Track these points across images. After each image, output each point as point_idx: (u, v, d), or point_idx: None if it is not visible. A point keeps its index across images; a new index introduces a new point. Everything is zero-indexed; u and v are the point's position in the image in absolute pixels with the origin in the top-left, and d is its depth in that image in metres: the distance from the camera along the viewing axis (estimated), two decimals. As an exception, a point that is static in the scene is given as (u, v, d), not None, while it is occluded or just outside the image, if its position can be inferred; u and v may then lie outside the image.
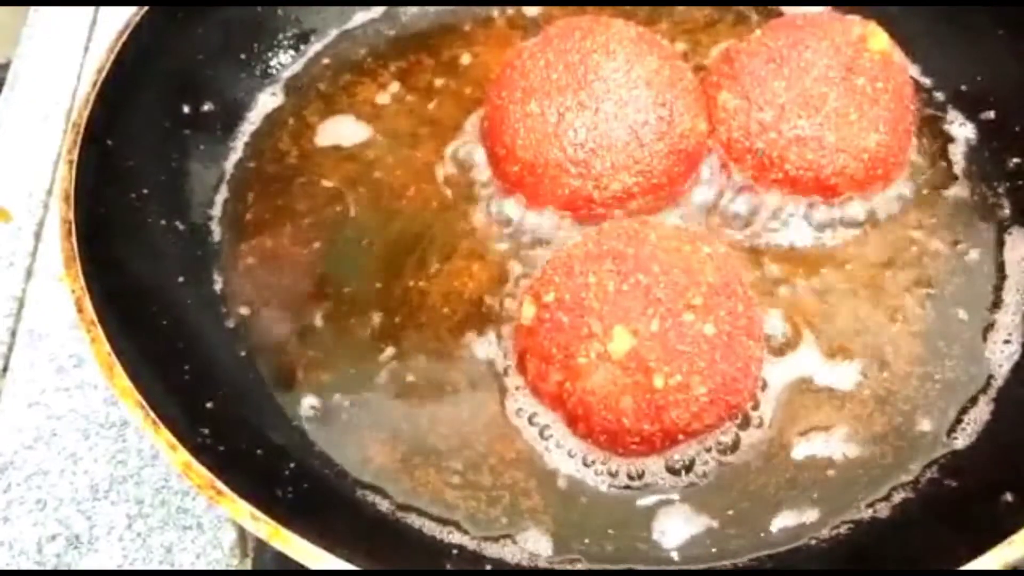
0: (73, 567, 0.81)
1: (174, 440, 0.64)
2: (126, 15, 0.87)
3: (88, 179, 0.77)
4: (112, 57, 0.84)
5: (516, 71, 0.88)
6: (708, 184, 0.90)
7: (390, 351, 0.82)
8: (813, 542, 0.72)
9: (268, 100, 1.00)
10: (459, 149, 0.95)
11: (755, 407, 0.77)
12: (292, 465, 0.74)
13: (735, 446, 0.76)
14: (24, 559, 0.81)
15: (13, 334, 0.94)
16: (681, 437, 0.73)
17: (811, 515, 0.73)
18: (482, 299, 0.84)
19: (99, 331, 0.68)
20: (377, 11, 1.06)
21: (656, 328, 0.69)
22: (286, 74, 1.02)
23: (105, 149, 0.81)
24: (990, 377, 0.79)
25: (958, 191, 0.90)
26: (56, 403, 0.89)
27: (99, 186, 0.79)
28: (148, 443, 0.86)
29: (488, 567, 0.71)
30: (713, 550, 0.72)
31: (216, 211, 0.91)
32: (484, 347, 0.82)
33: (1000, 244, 0.87)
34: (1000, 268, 0.85)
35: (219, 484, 0.62)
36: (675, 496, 0.74)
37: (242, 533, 0.82)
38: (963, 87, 0.96)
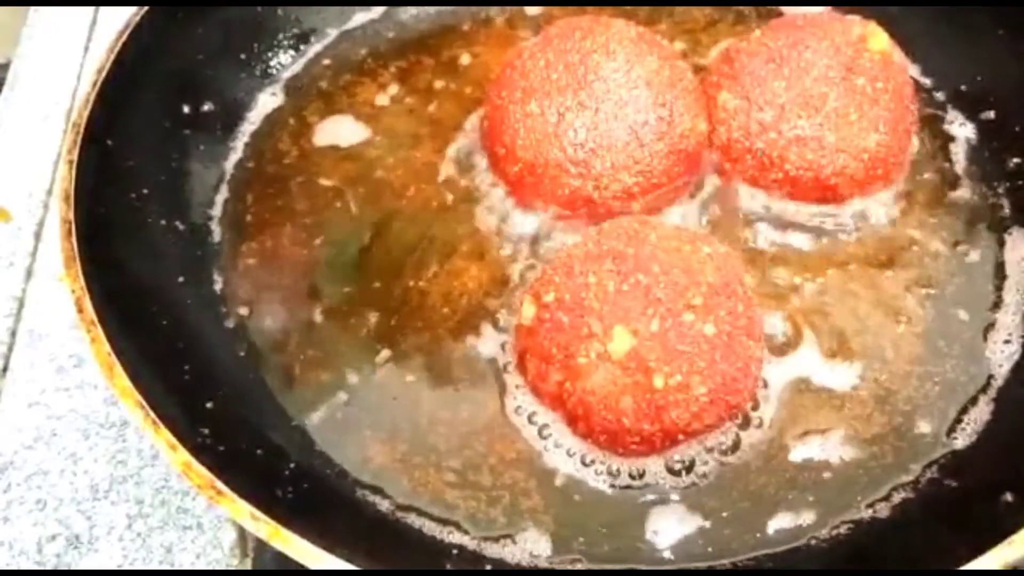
0: (73, 567, 0.81)
1: (174, 440, 0.64)
2: (126, 15, 0.87)
3: (88, 179, 0.77)
4: (112, 57, 0.84)
5: (516, 71, 0.88)
6: (708, 184, 0.90)
7: (390, 351, 0.82)
8: (813, 542, 0.72)
9: (268, 100, 1.00)
10: (459, 149, 0.95)
11: (755, 407, 0.77)
12: (292, 465, 0.74)
13: (735, 446, 0.76)
14: (24, 559, 0.81)
15: (13, 334, 0.94)
16: (681, 437, 0.73)
17: (811, 515, 0.73)
18: (482, 299, 0.84)
19: (99, 331, 0.68)
20: (377, 11, 1.06)
21: (656, 328, 0.69)
22: (286, 74, 1.02)
23: (105, 149, 0.81)
24: (990, 377, 0.79)
25: (958, 191, 0.90)
26: (56, 403, 0.89)
27: (99, 186, 0.79)
28: (148, 443, 0.86)
29: (488, 567, 0.71)
30: (713, 550, 0.72)
31: (216, 211, 0.91)
32: (484, 347, 0.82)
33: (1000, 244, 0.87)
34: (1000, 268, 0.85)
35: (219, 484, 0.62)
36: (675, 496, 0.74)
37: (242, 533, 0.82)
38: (963, 87, 0.96)
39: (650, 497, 0.74)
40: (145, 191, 0.84)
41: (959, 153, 0.93)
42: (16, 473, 0.85)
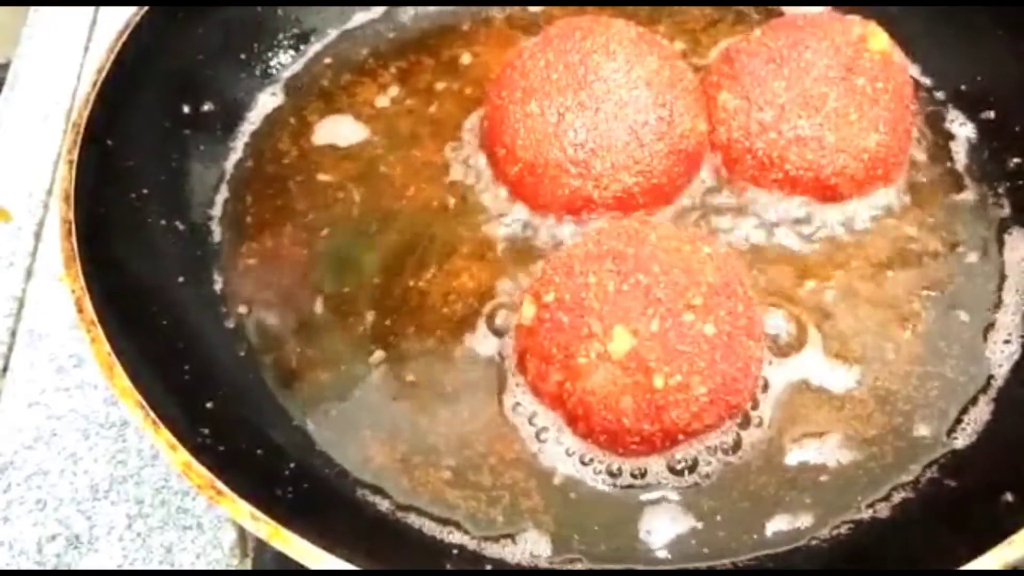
0: (73, 567, 0.81)
1: (174, 440, 0.64)
2: (126, 15, 0.87)
3: (88, 179, 0.77)
4: (112, 57, 0.84)
5: (516, 71, 0.88)
6: (708, 184, 0.90)
7: (390, 351, 0.82)
8: (813, 542, 0.72)
9: (268, 100, 1.00)
10: (459, 149, 0.95)
11: (755, 407, 0.77)
12: (292, 465, 0.74)
13: (736, 446, 0.76)
14: (24, 559, 0.81)
15: (13, 334, 0.94)
16: (681, 437, 0.73)
17: (811, 515, 0.73)
18: (482, 299, 0.84)
19: (99, 331, 0.68)
20: (377, 11, 1.06)
21: (656, 328, 0.69)
22: (286, 74, 1.02)
23: (105, 149, 0.81)
24: (990, 377, 0.79)
25: (958, 191, 0.90)
26: (56, 403, 0.89)
27: (99, 186, 0.79)
28: (148, 443, 0.86)
29: (488, 567, 0.71)
30: (713, 550, 0.72)
31: (216, 211, 0.91)
32: (484, 347, 0.82)
33: (1000, 244, 0.87)
34: (1000, 268, 0.85)
35: (219, 484, 0.62)
36: (675, 496, 0.74)
37: (242, 533, 0.82)
38: (963, 87, 0.96)
39: (650, 497, 0.74)
40: (145, 191, 0.84)
41: (959, 153, 0.93)
42: (16, 473, 0.85)
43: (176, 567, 0.80)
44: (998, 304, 0.83)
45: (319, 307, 0.85)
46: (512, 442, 0.77)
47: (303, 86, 1.01)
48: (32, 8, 1.23)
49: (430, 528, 0.73)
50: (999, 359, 0.80)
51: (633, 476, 0.74)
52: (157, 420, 0.65)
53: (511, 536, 0.73)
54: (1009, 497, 0.66)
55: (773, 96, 0.86)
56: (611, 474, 0.74)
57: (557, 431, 0.76)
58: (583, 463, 0.75)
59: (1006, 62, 0.92)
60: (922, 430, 0.77)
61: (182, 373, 0.74)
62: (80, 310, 0.69)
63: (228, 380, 0.79)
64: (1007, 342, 0.81)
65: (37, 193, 1.05)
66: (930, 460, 0.75)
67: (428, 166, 0.94)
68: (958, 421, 0.77)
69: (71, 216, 0.74)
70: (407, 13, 1.06)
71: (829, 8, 0.98)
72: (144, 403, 0.65)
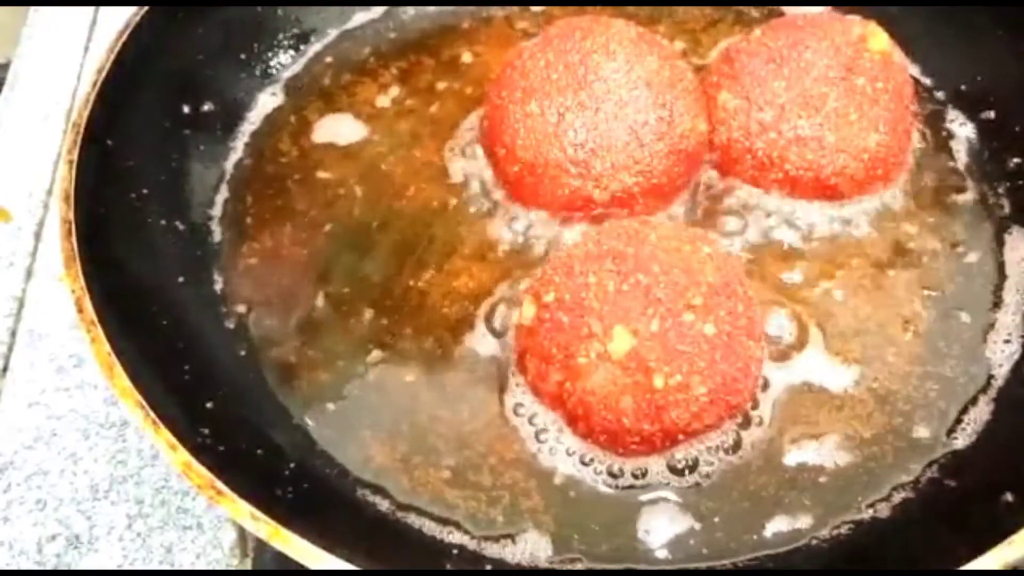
0: (73, 567, 0.81)
1: (174, 440, 0.64)
2: (126, 15, 0.87)
3: (88, 179, 0.77)
4: (112, 57, 0.84)
5: (516, 71, 0.88)
6: (708, 184, 0.90)
7: (389, 351, 0.82)
8: (813, 542, 0.72)
9: (268, 100, 1.00)
10: (459, 149, 0.95)
11: (755, 407, 0.77)
12: (292, 465, 0.74)
13: (736, 446, 0.75)
14: (24, 559, 0.81)
15: (13, 334, 0.94)
16: (681, 437, 0.73)
17: (811, 515, 0.73)
18: (482, 299, 0.84)
19: (99, 331, 0.68)
20: (377, 11, 1.06)
21: (656, 328, 0.69)
22: (286, 74, 1.02)
23: (105, 149, 0.81)
24: (990, 377, 0.79)
25: (958, 191, 0.90)
26: (56, 403, 0.89)
27: (99, 186, 0.79)
28: (148, 443, 0.86)
29: (488, 567, 0.71)
30: (713, 550, 0.72)
31: (216, 211, 0.91)
32: (484, 347, 0.82)
33: (1000, 244, 0.87)
34: (1000, 268, 0.85)
35: (219, 484, 0.62)
36: (675, 496, 0.74)
37: (242, 533, 0.82)
38: (963, 87, 0.96)
39: (650, 497, 0.74)
40: (145, 191, 0.84)
41: (959, 153, 0.93)
42: (16, 473, 0.85)
43: (176, 567, 0.80)
44: (998, 304, 0.83)
45: (319, 307, 0.85)
46: (512, 442, 0.77)
47: (303, 86, 1.01)
48: (32, 8, 1.23)
49: (430, 528, 0.73)
50: (999, 359, 0.80)
51: (633, 476, 0.74)
52: (157, 420, 0.65)
53: (511, 536, 0.73)
54: (1009, 497, 0.66)
55: (773, 96, 0.86)
56: (611, 474, 0.74)
57: (557, 431, 0.76)
58: (583, 463, 0.75)
59: (1006, 62, 0.92)
60: (922, 430, 0.77)
61: (182, 373, 0.74)
62: (80, 310, 0.69)
63: (228, 380, 0.79)
64: (1007, 342, 0.81)
65: (37, 193, 1.05)
66: (930, 460, 0.75)
67: (428, 166, 0.94)
68: (958, 421, 0.77)
69: (71, 216, 0.74)
70: (407, 13, 1.06)
71: (829, 8, 0.98)
72: (144, 403, 0.65)
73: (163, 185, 0.87)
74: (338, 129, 0.97)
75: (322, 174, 0.94)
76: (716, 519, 0.73)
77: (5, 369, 0.92)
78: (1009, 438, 0.75)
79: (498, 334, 0.82)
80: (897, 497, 0.74)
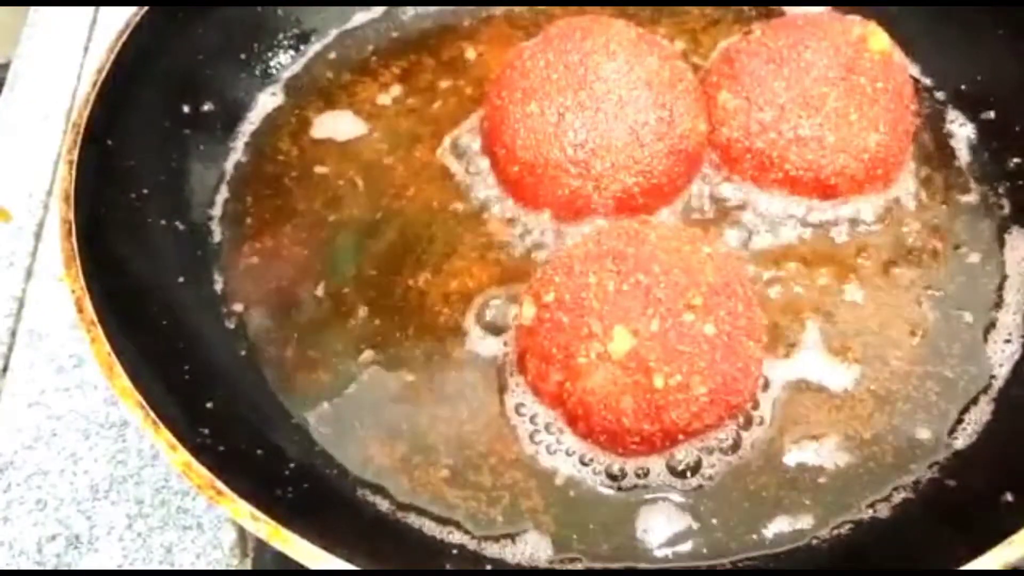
0: (73, 567, 0.81)
1: (174, 440, 0.64)
2: (126, 15, 0.87)
3: (88, 179, 0.77)
4: (112, 57, 0.84)
5: (516, 71, 0.88)
6: (708, 184, 0.90)
7: (390, 351, 0.82)
8: (814, 542, 0.72)
9: (268, 100, 1.00)
10: (459, 149, 0.95)
11: (756, 407, 0.77)
12: (292, 465, 0.74)
13: (736, 446, 0.75)
14: (24, 559, 0.81)
15: (13, 334, 0.94)
16: (681, 437, 0.73)
17: (811, 515, 0.73)
18: (482, 299, 0.84)
19: (99, 331, 0.68)
20: (377, 11, 1.06)
21: (656, 328, 0.69)
22: (286, 74, 1.02)
23: (105, 149, 0.81)
24: (990, 377, 0.79)
25: (958, 191, 0.90)
26: (56, 403, 0.89)
27: (99, 186, 0.79)
28: (148, 443, 0.86)
29: (488, 567, 0.71)
30: (713, 550, 0.72)
31: (216, 211, 0.91)
32: (484, 347, 0.82)
33: (1000, 244, 0.87)
34: (1000, 268, 0.85)
35: (219, 484, 0.62)
36: (675, 496, 0.74)
37: (242, 533, 0.82)
38: (963, 87, 0.96)
39: (651, 497, 0.74)
40: (145, 191, 0.84)
41: (959, 153, 0.93)
42: (16, 473, 0.85)
43: (176, 567, 0.80)
44: (999, 304, 0.83)
45: (319, 307, 0.85)
46: (512, 442, 0.77)
47: (303, 86, 1.01)
48: (32, 8, 1.23)
49: (430, 528, 0.73)
50: (1000, 359, 0.80)
51: (635, 476, 0.74)
52: (157, 420, 0.65)
53: (511, 536, 0.73)
54: (1009, 497, 0.66)
55: (773, 96, 0.86)
56: (611, 474, 0.74)
57: (557, 431, 0.76)
58: (583, 463, 0.75)
59: (1006, 62, 0.92)
60: (922, 430, 0.77)
61: (182, 373, 0.74)
62: (80, 310, 0.69)
63: (228, 380, 0.79)
64: (1008, 342, 0.81)
65: (37, 193, 1.05)
66: (930, 460, 0.75)
67: (428, 166, 0.94)
68: (958, 421, 0.77)
69: (71, 216, 0.74)
70: (407, 13, 1.06)
71: (829, 8, 0.98)
72: (144, 403, 0.65)
73: (163, 185, 0.87)
74: (337, 125, 0.97)
75: (320, 169, 0.94)
76: (716, 519, 0.73)
77: (5, 369, 0.92)
78: (1009, 438, 0.75)
79: (498, 334, 0.82)
80: (897, 497, 0.74)
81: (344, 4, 1.05)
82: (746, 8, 1.05)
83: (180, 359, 0.75)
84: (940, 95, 0.97)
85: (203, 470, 0.63)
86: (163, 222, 0.85)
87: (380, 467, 0.76)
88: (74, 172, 0.76)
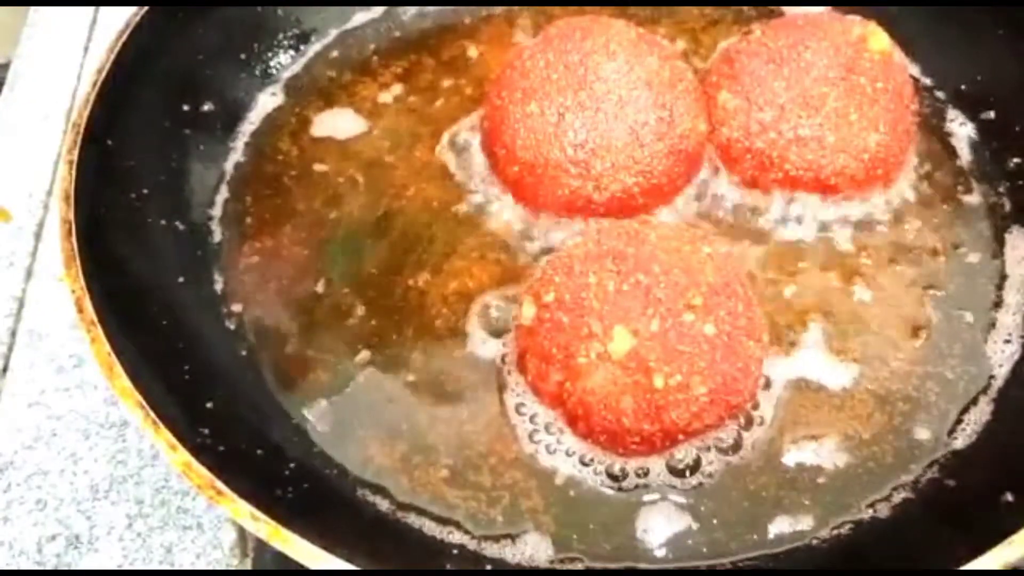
0: (73, 567, 0.81)
1: (174, 440, 0.64)
2: (126, 15, 0.87)
3: (88, 179, 0.77)
4: (112, 57, 0.84)
5: (516, 71, 0.88)
6: (708, 184, 0.90)
7: (390, 351, 0.82)
8: (814, 542, 0.72)
9: (268, 100, 1.00)
10: (459, 149, 0.95)
11: (756, 407, 0.77)
12: (292, 465, 0.74)
13: (736, 446, 0.75)
14: (24, 559, 0.81)
15: (13, 334, 0.94)
16: (681, 437, 0.73)
17: (811, 515, 0.73)
18: (482, 299, 0.84)
19: (99, 331, 0.68)
20: (377, 11, 1.06)
21: (656, 328, 0.69)
22: (286, 74, 1.02)
23: (105, 149, 0.81)
24: (990, 377, 0.79)
25: (958, 191, 0.90)
26: (56, 403, 0.89)
27: (99, 186, 0.79)
28: (148, 443, 0.86)
29: (488, 567, 0.71)
30: (713, 550, 0.72)
31: (216, 211, 0.91)
32: (484, 347, 0.82)
33: (1001, 244, 0.87)
34: (1000, 268, 0.85)
35: (219, 484, 0.62)
36: (676, 496, 0.74)
37: (242, 533, 0.82)
38: (963, 87, 0.96)
39: (651, 497, 0.74)
40: (145, 191, 0.84)
41: (959, 153, 0.93)
42: (16, 473, 0.85)
43: (176, 567, 0.80)
44: (999, 304, 0.83)
45: (319, 307, 0.85)
46: (512, 442, 0.77)
47: (303, 86, 1.01)
48: (32, 8, 1.23)
49: (430, 528, 0.73)
50: (999, 359, 0.80)
51: (635, 476, 0.74)
52: (157, 420, 0.65)
53: (511, 536, 0.73)
54: (1009, 497, 0.66)
55: (773, 96, 0.86)
56: (611, 474, 0.74)
57: (557, 431, 0.76)
58: (583, 463, 0.75)
59: (1006, 62, 0.92)
60: (922, 430, 0.77)
61: (182, 373, 0.74)
62: (80, 310, 0.69)
63: (228, 380, 0.79)
64: (1007, 342, 0.81)
65: (37, 193, 1.05)
66: (930, 460, 0.75)
67: (428, 166, 0.94)
68: (958, 421, 0.77)
69: (71, 216, 0.74)
70: (407, 13, 1.06)
71: (829, 8, 0.98)
72: (144, 403, 0.65)
73: (163, 185, 0.87)
74: (337, 123, 0.98)
75: (320, 167, 0.94)
76: (716, 519, 0.73)
77: (5, 369, 0.92)
78: (1009, 438, 0.75)
79: (498, 334, 0.82)
80: (897, 497, 0.74)
81: (344, 4, 1.05)
82: (746, 8, 1.05)
83: (180, 359, 0.75)
84: (940, 95, 0.97)
85: (203, 470, 0.63)
86: (163, 222, 0.85)
87: (380, 467, 0.76)
88: (74, 172, 0.76)
